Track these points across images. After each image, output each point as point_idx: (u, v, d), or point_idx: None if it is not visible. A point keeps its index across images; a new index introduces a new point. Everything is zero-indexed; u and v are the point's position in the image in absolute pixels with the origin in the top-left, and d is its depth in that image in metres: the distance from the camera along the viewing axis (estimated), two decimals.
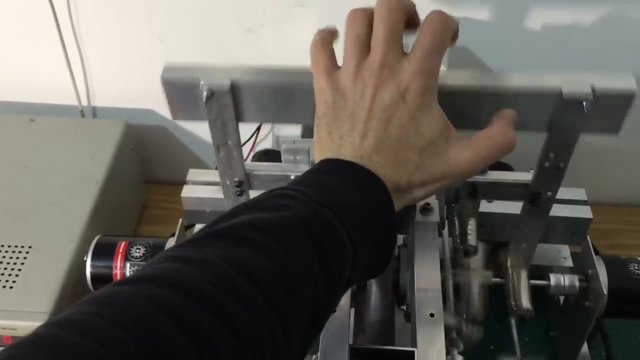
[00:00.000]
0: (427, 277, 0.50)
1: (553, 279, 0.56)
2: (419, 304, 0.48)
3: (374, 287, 0.55)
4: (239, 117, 0.48)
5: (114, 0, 0.72)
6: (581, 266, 0.56)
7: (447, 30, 0.40)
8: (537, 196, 0.52)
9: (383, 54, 0.39)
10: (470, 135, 0.42)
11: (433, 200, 0.55)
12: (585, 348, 0.61)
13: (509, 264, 0.58)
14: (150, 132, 0.85)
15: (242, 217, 0.36)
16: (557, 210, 0.56)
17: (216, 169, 0.55)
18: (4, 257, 0.62)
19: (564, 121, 0.45)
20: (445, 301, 0.51)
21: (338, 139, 0.40)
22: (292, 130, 0.71)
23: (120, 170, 0.75)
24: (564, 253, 0.67)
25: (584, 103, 0.44)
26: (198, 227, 0.65)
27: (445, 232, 0.58)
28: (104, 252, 0.58)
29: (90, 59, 0.78)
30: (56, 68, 0.78)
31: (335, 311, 0.48)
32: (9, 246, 0.63)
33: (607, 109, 0.44)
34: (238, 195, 0.56)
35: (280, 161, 0.59)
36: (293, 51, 0.74)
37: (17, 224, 0.65)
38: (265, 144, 0.82)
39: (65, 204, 0.68)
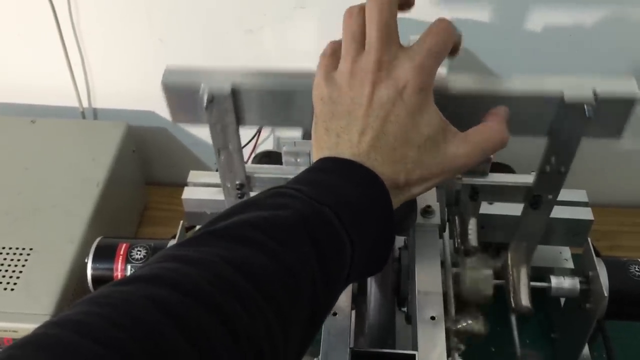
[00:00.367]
0: (428, 279, 0.50)
1: (554, 281, 0.56)
2: (419, 306, 0.48)
3: (374, 289, 0.55)
4: (239, 121, 0.48)
5: (115, 1, 0.72)
6: (582, 268, 0.56)
7: (451, 37, 0.40)
8: (537, 199, 0.52)
9: (378, 53, 0.39)
10: None
11: (434, 203, 0.55)
12: (586, 350, 0.61)
13: (509, 262, 0.58)
14: (151, 133, 0.85)
15: (241, 216, 0.36)
16: (558, 212, 0.56)
17: (217, 170, 0.55)
18: (4, 259, 0.62)
19: (566, 125, 0.45)
20: (446, 303, 0.51)
21: (335, 137, 0.40)
22: (293, 132, 0.71)
23: (121, 171, 0.75)
24: (565, 255, 0.67)
25: (586, 107, 0.43)
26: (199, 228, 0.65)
27: (446, 234, 0.58)
28: (105, 254, 0.58)
29: (91, 60, 0.78)
30: (57, 69, 0.78)
31: (336, 313, 0.48)
32: (10, 248, 0.63)
33: (609, 114, 0.44)
34: (239, 197, 0.56)
35: (281, 163, 0.59)
36: (293, 52, 0.74)
37: (18, 226, 0.65)
38: (267, 145, 0.82)
39: (66, 205, 0.68)
